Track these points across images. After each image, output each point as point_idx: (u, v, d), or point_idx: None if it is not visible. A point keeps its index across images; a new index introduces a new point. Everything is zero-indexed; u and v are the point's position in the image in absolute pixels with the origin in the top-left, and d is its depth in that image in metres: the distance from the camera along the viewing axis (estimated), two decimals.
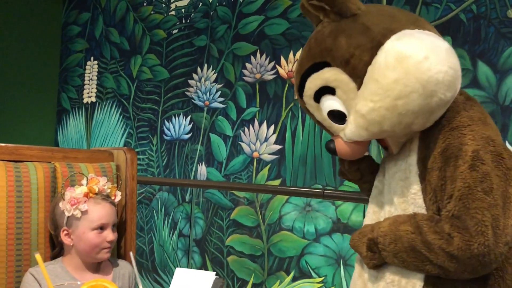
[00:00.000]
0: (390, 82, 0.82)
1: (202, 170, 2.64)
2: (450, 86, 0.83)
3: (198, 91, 2.71)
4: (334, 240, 2.12)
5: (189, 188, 2.70)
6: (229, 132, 2.54)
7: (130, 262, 1.43)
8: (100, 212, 1.32)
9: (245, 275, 2.42)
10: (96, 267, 1.37)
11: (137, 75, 3.05)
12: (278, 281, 2.29)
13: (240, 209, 2.46)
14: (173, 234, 2.76)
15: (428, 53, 0.82)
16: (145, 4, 3.05)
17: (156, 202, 2.86)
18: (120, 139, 3.12)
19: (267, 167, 2.37)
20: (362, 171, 1.06)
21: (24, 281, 1.28)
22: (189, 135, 2.74)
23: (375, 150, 1.96)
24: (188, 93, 2.76)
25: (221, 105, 2.59)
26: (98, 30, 3.35)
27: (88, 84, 3.39)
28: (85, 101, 3.40)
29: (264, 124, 2.39)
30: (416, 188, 0.89)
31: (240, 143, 2.49)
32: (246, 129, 2.46)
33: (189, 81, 2.76)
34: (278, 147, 2.33)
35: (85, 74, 3.42)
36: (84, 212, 1.30)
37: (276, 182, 2.32)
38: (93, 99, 3.34)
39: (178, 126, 2.80)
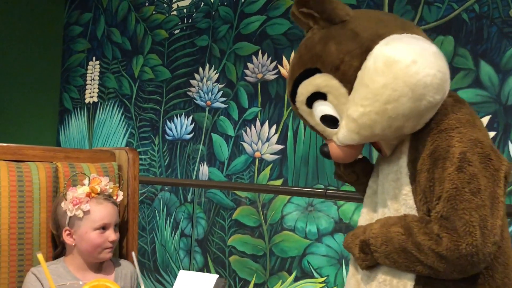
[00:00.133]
0: (379, 87, 0.83)
1: (204, 170, 2.64)
2: (439, 89, 0.84)
3: (200, 91, 2.71)
4: (336, 240, 2.12)
5: (191, 188, 2.70)
6: (231, 132, 2.54)
7: (132, 262, 1.42)
8: (102, 212, 1.32)
9: (247, 275, 2.42)
10: (98, 267, 1.37)
11: (139, 75, 3.05)
12: (280, 281, 2.29)
13: (242, 209, 2.46)
14: (175, 234, 2.76)
15: (416, 57, 0.83)
16: (146, 4, 3.05)
17: (158, 202, 2.86)
18: (122, 139, 3.12)
19: (269, 167, 2.36)
20: (358, 173, 1.08)
21: (26, 280, 1.28)
22: (191, 135, 2.74)
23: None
24: (190, 93, 2.76)
25: (223, 105, 2.59)
26: (100, 30, 3.35)
27: (90, 84, 3.39)
28: (87, 101, 3.40)
29: (266, 124, 2.39)
30: (407, 189, 0.90)
31: (242, 143, 2.49)
32: (248, 129, 2.46)
33: (191, 81, 2.76)
34: (280, 147, 2.33)
35: (87, 74, 3.42)
36: (86, 212, 1.30)
37: (278, 182, 2.32)
38: (95, 99, 3.35)
39: (180, 126, 2.80)
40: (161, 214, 2.84)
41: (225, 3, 2.62)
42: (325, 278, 2.14)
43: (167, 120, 2.87)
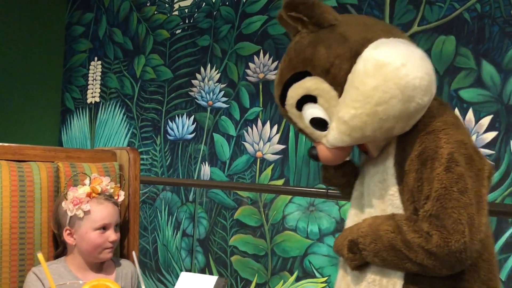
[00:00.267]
0: (370, 89, 0.85)
1: (206, 170, 2.64)
2: (427, 91, 0.87)
3: (202, 91, 2.71)
4: None
5: (193, 188, 2.70)
6: (232, 132, 2.54)
7: (133, 261, 1.43)
8: (103, 212, 1.32)
9: (248, 275, 2.42)
10: (99, 267, 1.37)
11: (141, 75, 3.06)
12: (282, 281, 2.29)
13: (243, 209, 2.45)
14: (176, 234, 2.76)
15: (405, 60, 0.85)
16: (148, 4, 3.05)
17: (159, 202, 2.87)
18: (124, 139, 3.12)
19: (271, 167, 2.36)
20: (348, 175, 1.09)
21: (27, 280, 1.28)
22: (192, 135, 2.74)
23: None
24: (191, 93, 2.76)
25: (224, 105, 2.59)
26: (102, 30, 3.35)
27: (92, 84, 3.40)
28: (88, 101, 3.41)
29: (268, 124, 2.39)
30: (393, 189, 0.92)
31: (244, 143, 2.49)
32: (249, 129, 2.46)
33: (193, 81, 2.76)
34: (282, 146, 2.33)
35: (89, 74, 3.43)
36: (86, 212, 1.30)
37: (280, 182, 2.32)
38: (97, 99, 3.35)
39: (182, 126, 2.80)
40: (163, 214, 2.84)
41: (227, 3, 2.62)
42: (326, 278, 2.14)
43: (168, 120, 2.87)
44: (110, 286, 0.89)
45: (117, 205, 1.39)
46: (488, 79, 1.76)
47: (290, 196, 2.28)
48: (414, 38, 1.94)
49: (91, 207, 1.31)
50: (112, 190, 1.39)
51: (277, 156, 2.34)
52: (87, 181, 1.36)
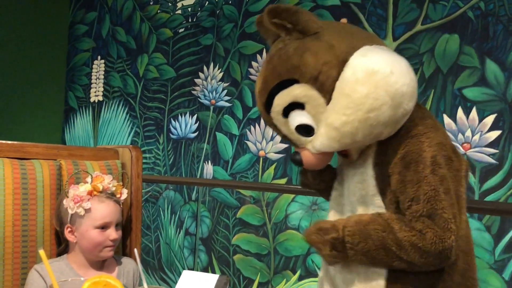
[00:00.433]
0: (361, 96, 0.88)
1: (208, 169, 2.64)
2: (412, 97, 0.91)
3: (205, 89, 2.71)
4: None
5: (196, 187, 2.70)
6: (235, 130, 2.54)
7: (135, 259, 1.43)
8: (104, 210, 1.32)
9: (251, 273, 2.42)
10: (101, 265, 1.37)
11: (144, 74, 3.06)
12: (284, 280, 2.28)
13: (246, 208, 2.45)
14: (179, 233, 2.76)
15: (392, 68, 0.88)
16: (151, 3, 3.05)
17: (162, 201, 2.87)
18: (127, 138, 3.13)
19: (273, 166, 2.36)
20: (326, 180, 1.11)
21: (29, 277, 1.29)
22: (195, 134, 2.74)
23: None
24: (194, 92, 2.76)
25: (227, 104, 2.59)
26: (105, 29, 3.36)
27: (95, 83, 3.40)
28: (92, 100, 3.41)
29: None
30: (374, 190, 0.95)
31: (246, 141, 2.48)
32: (252, 127, 2.46)
33: (196, 80, 2.76)
34: (284, 145, 2.32)
35: (92, 73, 3.43)
36: (87, 210, 1.30)
37: (282, 181, 2.32)
38: (100, 98, 3.36)
39: (185, 124, 2.80)
40: (166, 212, 2.84)
41: (230, 2, 2.61)
42: None
43: (171, 119, 2.87)
44: (111, 283, 0.89)
45: (119, 204, 1.38)
46: (492, 77, 1.75)
47: (292, 195, 2.28)
48: (418, 37, 1.93)
49: (92, 205, 1.31)
50: (114, 188, 1.38)
51: (280, 155, 2.34)
52: (88, 179, 1.36)
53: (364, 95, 0.87)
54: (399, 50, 1.98)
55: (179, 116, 2.83)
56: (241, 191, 2.47)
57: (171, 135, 2.87)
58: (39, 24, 3.42)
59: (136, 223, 1.53)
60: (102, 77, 3.36)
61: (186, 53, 2.82)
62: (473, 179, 1.77)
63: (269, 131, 2.38)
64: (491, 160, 1.74)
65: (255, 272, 2.40)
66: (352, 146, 0.97)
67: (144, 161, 2.87)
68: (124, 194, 1.41)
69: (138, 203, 1.54)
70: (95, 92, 3.40)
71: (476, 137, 1.77)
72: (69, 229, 1.32)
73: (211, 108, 2.67)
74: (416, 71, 1.93)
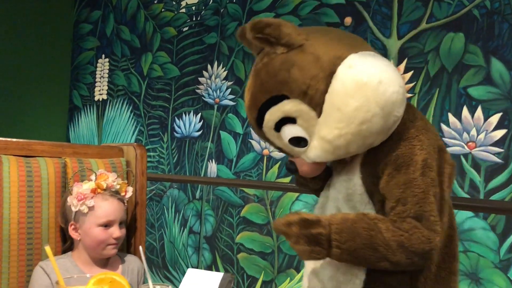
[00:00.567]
0: (352, 110, 0.88)
1: (212, 168, 2.64)
2: (402, 103, 0.91)
3: (209, 88, 2.71)
4: None
5: (200, 185, 2.70)
6: (239, 129, 2.54)
7: (140, 257, 1.43)
8: (108, 208, 1.32)
9: (255, 272, 2.42)
10: (105, 262, 1.37)
11: (148, 72, 3.06)
12: (288, 278, 2.28)
13: (250, 207, 2.45)
14: (183, 231, 2.76)
15: (381, 77, 0.88)
16: (155, 2, 3.06)
17: (166, 199, 2.87)
18: (131, 137, 3.13)
19: (277, 165, 2.36)
20: (323, 179, 1.12)
21: (34, 274, 1.29)
22: (199, 133, 2.74)
23: None
24: (198, 91, 2.76)
25: (231, 103, 2.59)
26: (109, 28, 3.36)
27: (99, 81, 3.41)
28: (96, 98, 3.42)
29: None
30: (360, 189, 0.96)
31: (250, 140, 2.48)
32: None
33: (200, 79, 2.76)
34: None
35: (96, 72, 3.44)
36: (90, 208, 1.30)
37: (286, 180, 2.32)
38: (104, 97, 3.36)
39: (189, 123, 2.80)
40: (170, 211, 2.85)
41: (234, 1, 2.61)
42: None
43: (175, 118, 2.87)
44: (116, 280, 0.89)
45: (123, 202, 1.38)
46: (497, 76, 1.75)
47: (297, 194, 2.28)
48: (423, 35, 1.93)
49: (96, 203, 1.31)
50: (118, 186, 1.39)
51: (284, 154, 2.33)
52: (93, 177, 1.36)
53: (355, 108, 0.88)
54: (404, 49, 1.98)
55: (183, 115, 2.83)
56: (245, 189, 2.47)
57: (175, 133, 2.87)
58: (43, 23, 3.43)
59: (140, 221, 1.53)
60: (107, 75, 3.36)
61: (190, 51, 2.82)
62: (478, 178, 1.77)
63: None
64: (496, 159, 1.73)
65: (259, 270, 2.40)
66: (346, 156, 0.98)
67: (148, 159, 2.87)
68: (129, 192, 1.42)
69: (143, 201, 1.54)
70: (100, 90, 3.40)
71: (481, 136, 1.76)
72: (73, 226, 1.32)
73: (215, 106, 2.67)
74: (421, 69, 1.93)
